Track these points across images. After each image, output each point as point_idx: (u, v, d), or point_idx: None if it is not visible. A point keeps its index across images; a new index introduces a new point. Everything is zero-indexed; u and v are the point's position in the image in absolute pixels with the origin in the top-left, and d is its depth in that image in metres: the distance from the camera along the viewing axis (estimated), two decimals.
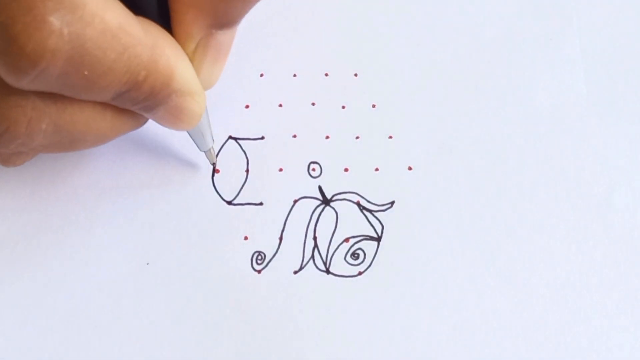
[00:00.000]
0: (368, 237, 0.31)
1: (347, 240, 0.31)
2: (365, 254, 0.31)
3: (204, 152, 0.31)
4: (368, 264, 0.31)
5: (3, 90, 0.23)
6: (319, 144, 0.33)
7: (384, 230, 0.31)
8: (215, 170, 0.32)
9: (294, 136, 0.33)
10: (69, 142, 0.26)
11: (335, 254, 0.31)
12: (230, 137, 0.33)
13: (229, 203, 0.32)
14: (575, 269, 0.31)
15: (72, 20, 0.21)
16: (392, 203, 0.32)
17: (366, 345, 0.29)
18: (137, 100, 0.25)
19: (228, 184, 0.32)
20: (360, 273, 0.31)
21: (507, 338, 0.30)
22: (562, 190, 0.32)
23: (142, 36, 0.23)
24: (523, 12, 0.36)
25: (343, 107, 0.34)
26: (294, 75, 0.34)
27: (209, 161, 0.32)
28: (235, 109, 0.33)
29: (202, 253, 0.31)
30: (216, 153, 0.32)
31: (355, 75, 0.34)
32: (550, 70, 0.35)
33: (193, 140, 0.31)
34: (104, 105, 0.26)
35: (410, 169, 0.33)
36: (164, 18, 0.26)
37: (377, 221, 0.32)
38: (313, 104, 0.34)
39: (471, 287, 0.30)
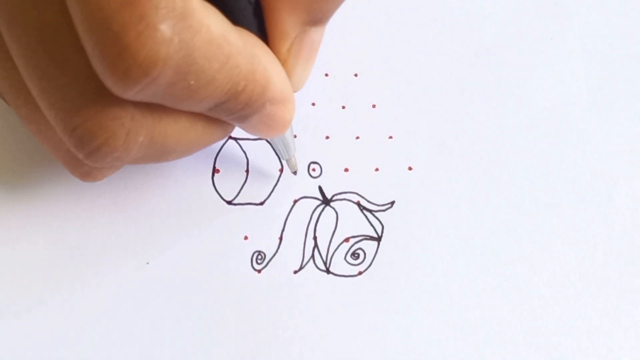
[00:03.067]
0: (368, 237, 0.31)
1: (347, 240, 0.31)
2: (365, 254, 0.31)
3: (285, 160, 0.31)
4: (368, 264, 0.31)
5: (102, 102, 0.23)
6: (319, 144, 0.33)
7: (384, 230, 0.31)
8: (215, 170, 0.32)
9: (294, 136, 0.33)
10: (159, 155, 0.26)
11: (336, 253, 0.31)
12: (230, 137, 0.33)
13: (229, 203, 0.32)
14: (576, 268, 0.31)
15: (182, 28, 0.21)
16: (392, 203, 0.32)
17: (366, 344, 0.29)
18: (233, 111, 0.25)
19: (228, 183, 0.32)
20: (360, 273, 0.31)
21: (507, 338, 0.30)
22: (563, 190, 0.32)
23: (242, 45, 0.23)
24: (523, 12, 0.36)
25: (343, 107, 0.34)
26: None
27: (290, 169, 0.31)
28: None
29: (202, 253, 0.31)
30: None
31: (356, 75, 0.34)
32: (550, 70, 0.35)
33: (274, 148, 0.30)
34: (196, 116, 0.26)
35: (410, 169, 0.33)
36: (258, 24, 0.26)
37: (377, 221, 0.32)
38: (313, 104, 0.34)
39: (471, 286, 0.30)
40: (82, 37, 0.21)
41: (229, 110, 0.24)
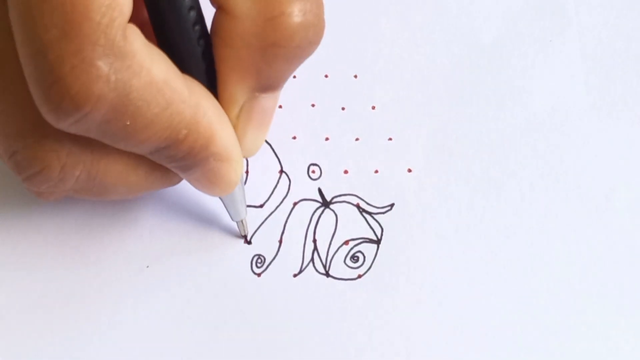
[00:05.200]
0: (368, 240, 0.31)
1: (346, 242, 0.31)
2: (364, 257, 0.31)
3: (236, 222, 0.31)
4: (368, 267, 0.31)
5: (41, 132, 0.23)
6: (318, 146, 0.33)
7: (384, 233, 0.31)
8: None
9: (294, 138, 0.33)
10: (99, 191, 0.26)
11: (335, 256, 0.31)
12: None
13: None
14: (576, 269, 0.31)
15: (120, 68, 0.21)
16: (392, 205, 0.32)
17: (366, 348, 0.30)
18: (174, 158, 0.25)
19: None
20: (359, 276, 0.31)
21: (507, 340, 0.30)
22: (562, 191, 0.32)
23: (186, 94, 0.23)
24: (523, 13, 0.35)
25: (343, 109, 0.34)
26: (294, 77, 0.34)
27: (240, 232, 0.31)
28: None
29: (201, 256, 0.31)
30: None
31: (355, 76, 0.34)
32: (550, 71, 0.34)
33: (226, 208, 0.30)
34: (139, 160, 0.26)
35: (409, 171, 0.32)
36: (211, 80, 0.26)
37: (376, 223, 0.32)
38: (313, 106, 0.34)
39: (471, 289, 0.31)
40: (22, 63, 0.21)
41: (170, 157, 0.25)
